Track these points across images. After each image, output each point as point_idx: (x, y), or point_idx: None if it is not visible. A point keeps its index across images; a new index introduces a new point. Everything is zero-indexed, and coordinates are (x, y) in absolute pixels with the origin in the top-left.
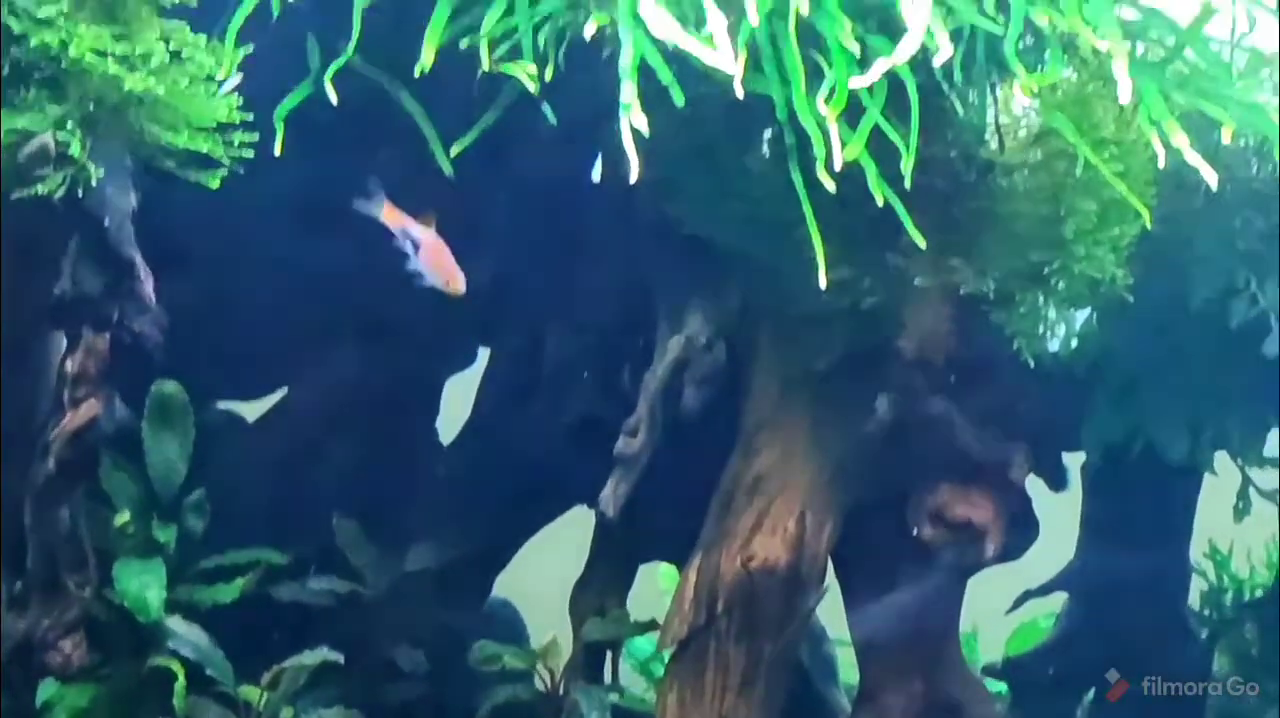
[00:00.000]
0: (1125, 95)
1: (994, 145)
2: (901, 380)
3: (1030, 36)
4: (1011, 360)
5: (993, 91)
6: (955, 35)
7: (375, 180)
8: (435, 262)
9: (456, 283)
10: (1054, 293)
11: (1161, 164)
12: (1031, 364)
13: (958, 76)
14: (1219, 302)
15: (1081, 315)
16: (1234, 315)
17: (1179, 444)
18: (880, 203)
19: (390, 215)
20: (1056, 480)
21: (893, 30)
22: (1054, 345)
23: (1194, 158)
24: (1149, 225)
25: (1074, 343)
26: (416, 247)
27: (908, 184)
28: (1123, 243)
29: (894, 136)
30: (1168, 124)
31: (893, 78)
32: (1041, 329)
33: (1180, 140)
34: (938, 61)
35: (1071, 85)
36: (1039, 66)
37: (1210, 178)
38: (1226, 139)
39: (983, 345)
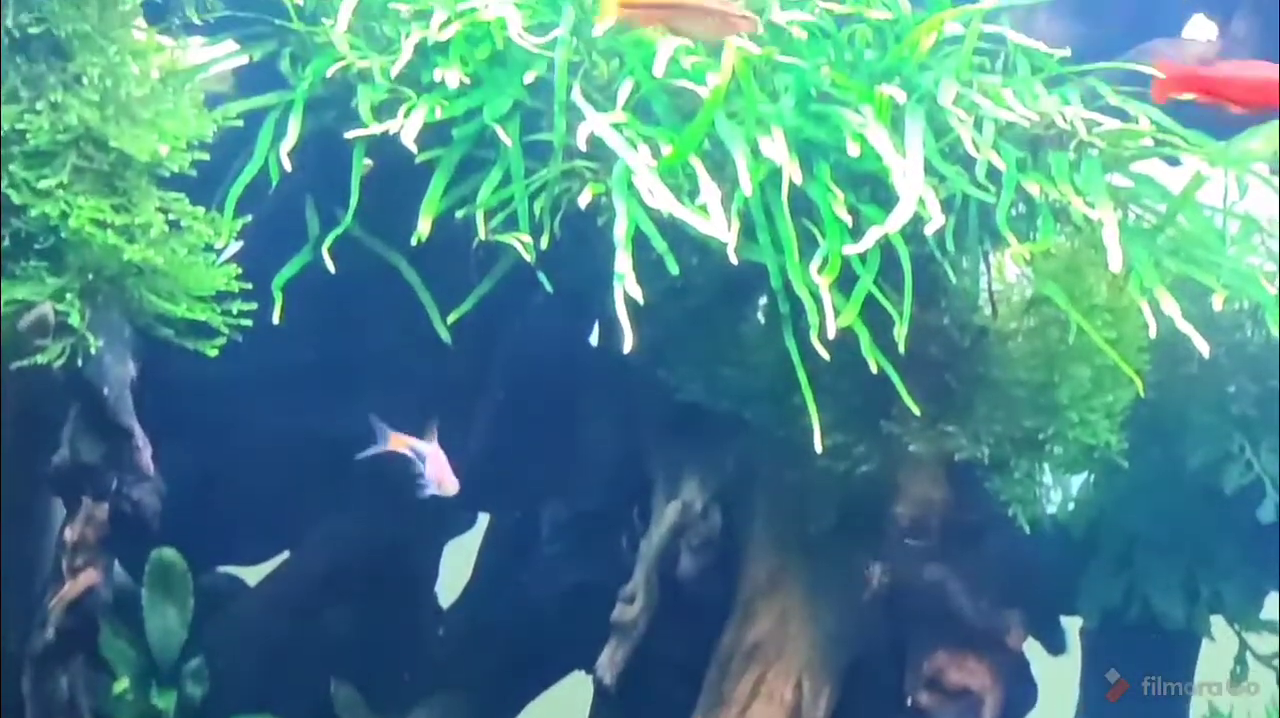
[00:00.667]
0: (1116, 263)
1: (987, 312)
2: (896, 546)
3: (1022, 204)
4: (1007, 525)
5: (986, 259)
6: (947, 204)
7: (376, 419)
8: (437, 473)
9: (449, 486)
10: (1049, 458)
11: (1153, 333)
12: (1027, 529)
13: (950, 244)
14: (1214, 467)
15: (1078, 480)
16: (1229, 481)
17: (1175, 609)
18: (874, 369)
19: (397, 443)
20: (1054, 644)
21: (885, 199)
22: (1050, 509)
23: (1185, 327)
24: (1142, 392)
25: (1070, 507)
26: (423, 460)
27: (901, 351)
28: (1116, 408)
29: (887, 305)
30: (1159, 292)
31: (886, 244)
32: (1037, 494)
33: (1171, 309)
34: (930, 230)
35: (1064, 252)
36: (1031, 234)
37: (1201, 347)
38: (1218, 306)
39: (978, 511)
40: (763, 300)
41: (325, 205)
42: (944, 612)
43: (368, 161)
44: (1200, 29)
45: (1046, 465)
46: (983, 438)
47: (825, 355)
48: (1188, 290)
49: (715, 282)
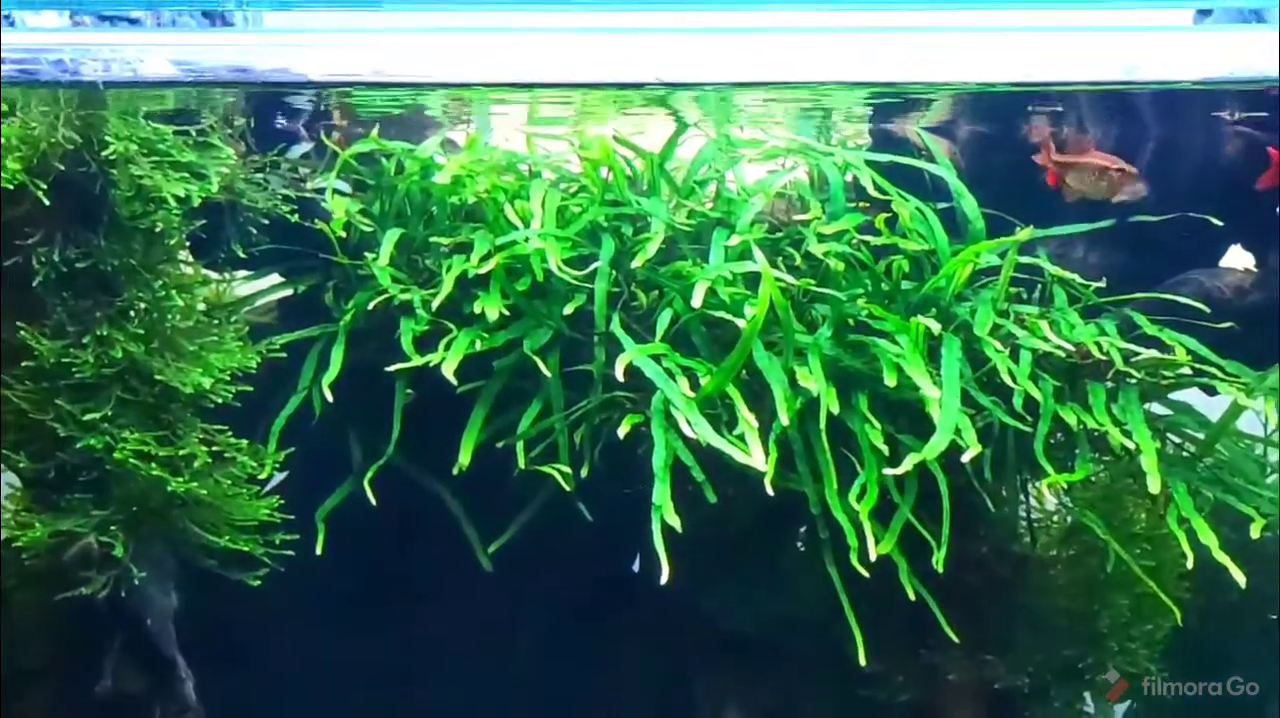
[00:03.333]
0: (1155, 487)
1: (1026, 540)
2: None
3: (1060, 434)
4: None
5: (1024, 488)
6: (985, 433)
7: None
8: None
9: None
10: (1089, 688)
11: (1190, 564)
12: None
13: (988, 474)
14: (1259, 699)
15: (1120, 709)
16: (1271, 713)
17: None
18: (912, 597)
19: None
20: None
21: (922, 429)
22: None
23: (1222, 557)
24: (1179, 621)
25: None
26: None
27: (941, 579)
28: (1157, 637)
29: (925, 533)
30: (1197, 523)
31: (924, 473)
32: None
33: (1210, 540)
34: (966, 458)
35: (1102, 481)
36: (1070, 463)
37: (1238, 577)
38: (1255, 533)
39: None
40: (802, 529)
41: (367, 436)
42: None
43: (409, 392)
44: (1237, 258)
45: (1088, 695)
46: (1022, 667)
47: (865, 573)
48: (1229, 514)
49: (755, 510)
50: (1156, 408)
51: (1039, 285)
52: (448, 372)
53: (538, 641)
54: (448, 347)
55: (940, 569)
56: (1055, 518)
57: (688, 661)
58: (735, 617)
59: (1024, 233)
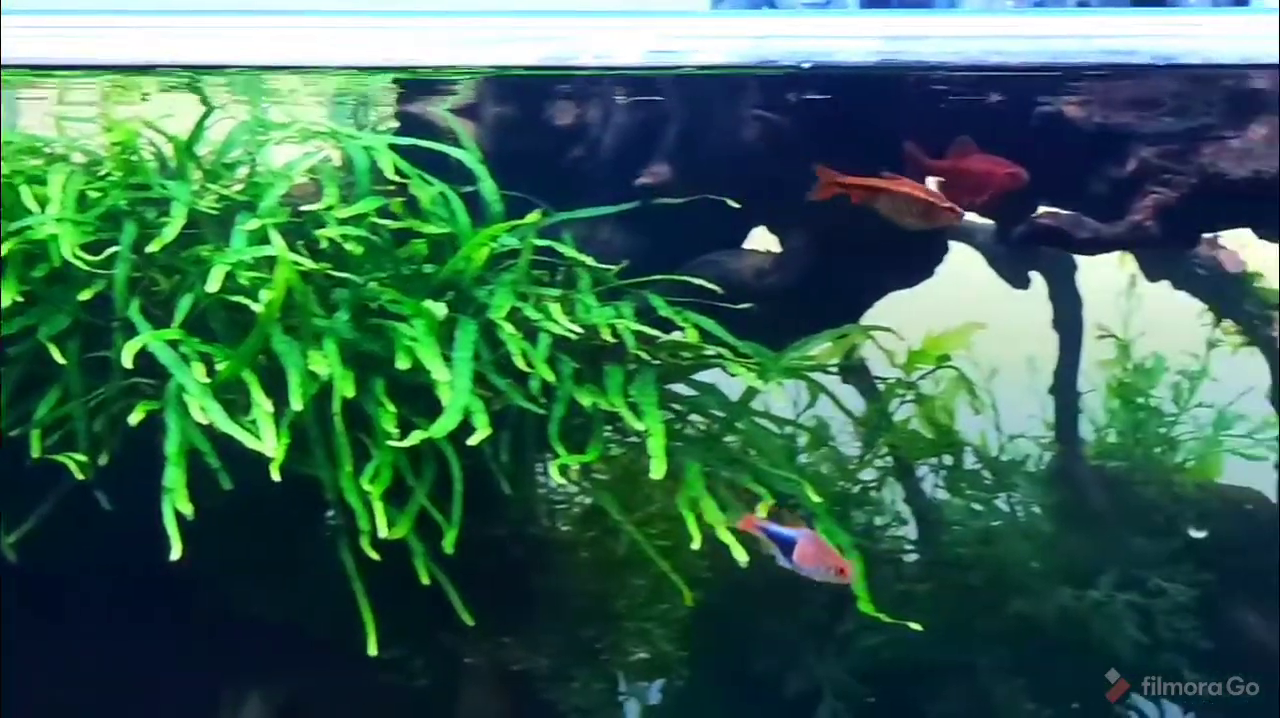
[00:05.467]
0: (658, 472)
1: (545, 522)
2: None
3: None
4: None
5: (543, 470)
6: (502, 416)
7: None
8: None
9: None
10: (607, 668)
11: (696, 544)
12: None
13: (504, 456)
14: (776, 672)
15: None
16: (790, 686)
17: None
18: (426, 581)
19: None
20: None
21: (438, 412)
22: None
23: (727, 537)
24: (689, 602)
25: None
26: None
27: (455, 561)
28: (675, 617)
29: (436, 516)
30: (705, 504)
31: (440, 456)
32: (596, 704)
33: (716, 519)
34: (474, 440)
35: (622, 462)
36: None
37: (740, 557)
38: (761, 514)
39: None
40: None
41: None
42: None
43: None
44: (759, 240)
45: (619, 674)
46: (540, 649)
47: (377, 557)
48: None
49: (276, 496)
50: (683, 389)
51: (563, 268)
52: None
53: (62, 631)
54: None
55: (450, 551)
56: (576, 501)
57: (210, 648)
58: (257, 603)
59: (533, 216)
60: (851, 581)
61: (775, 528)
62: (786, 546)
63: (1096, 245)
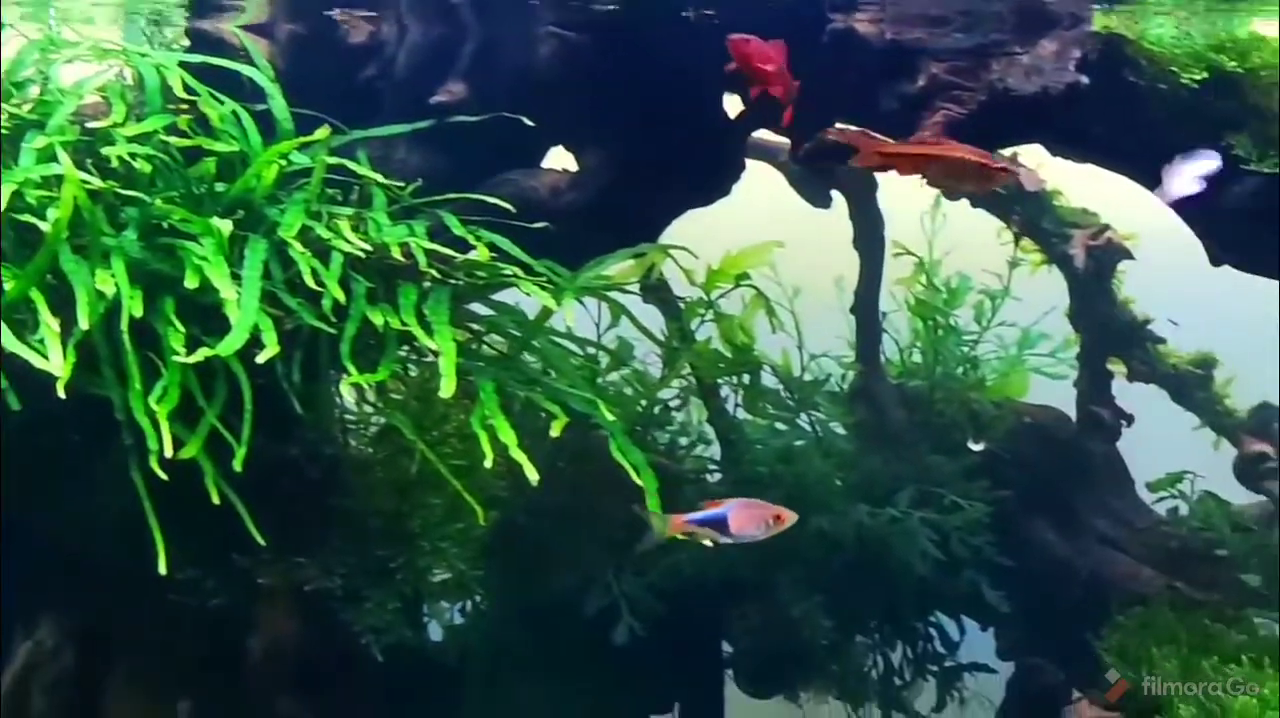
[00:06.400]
0: (447, 391)
1: (340, 443)
2: (253, 680)
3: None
4: (365, 655)
5: (338, 391)
6: (294, 335)
7: None
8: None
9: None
10: (404, 587)
11: (488, 462)
12: (380, 658)
13: (297, 376)
14: (576, 591)
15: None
16: (590, 604)
17: None
18: (217, 501)
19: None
20: None
21: (228, 331)
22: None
23: (519, 455)
24: (482, 520)
25: (440, 635)
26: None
27: (246, 482)
28: (471, 536)
29: (229, 436)
30: (498, 422)
31: (232, 376)
32: (392, 623)
33: (509, 439)
34: (262, 358)
35: (417, 381)
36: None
37: (532, 475)
38: (555, 432)
39: (332, 642)
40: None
41: None
42: None
43: None
44: (556, 160)
45: (422, 593)
46: (334, 569)
47: (165, 477)
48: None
49: (69, 417)
50: (480, 309)
51: (357, 188)
52: None
53: None
54: None
55: (239, 470)
56: (372, 420)
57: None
58: (52, 527)
59: (321, 132)
60: (791, 520)
61: (701, 515)
62: (720, 524)
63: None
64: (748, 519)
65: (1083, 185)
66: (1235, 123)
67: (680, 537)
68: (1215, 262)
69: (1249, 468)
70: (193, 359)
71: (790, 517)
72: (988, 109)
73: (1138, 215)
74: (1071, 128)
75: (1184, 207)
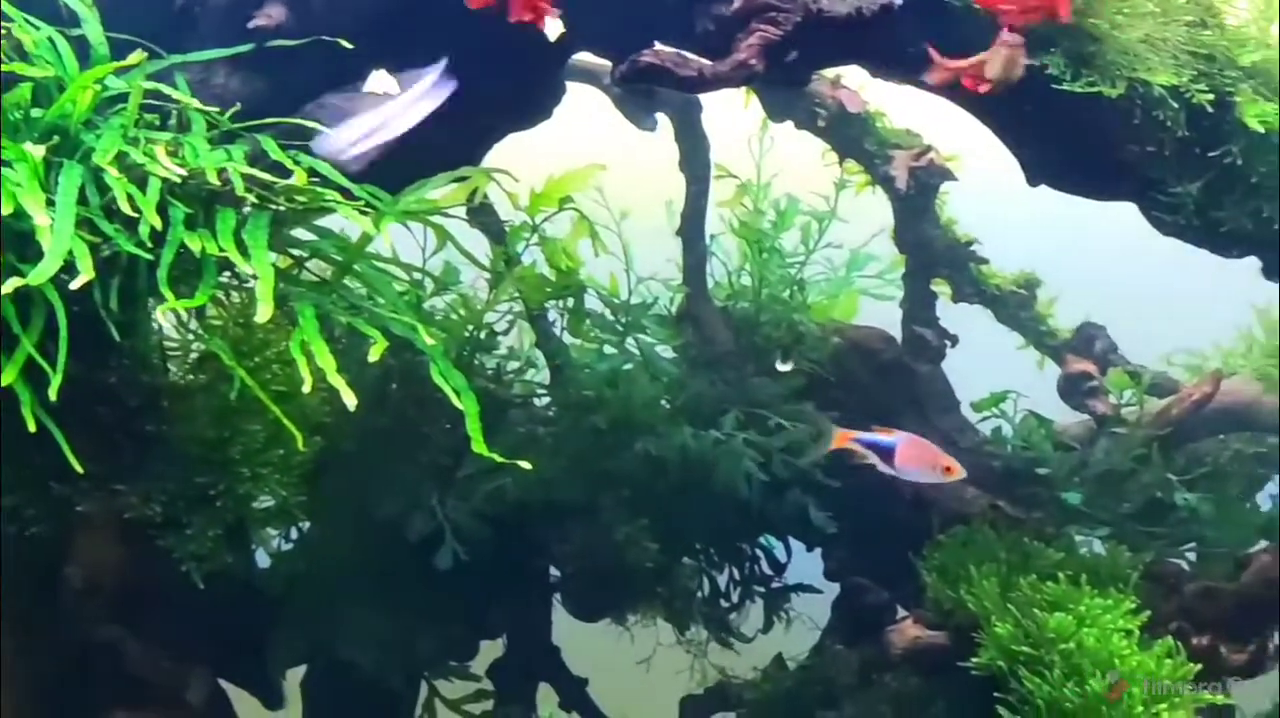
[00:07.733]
0: (263, 316)
1: (160, 369)
2: (72, 608)
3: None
4: (184, 583)
5: (156, 317)
6: (111, 261)
7: None
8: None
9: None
10: (225, 514)
11: (306, 387)
12: (201, 586)
13: (114, 303)
14: (400, 517)
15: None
16: (414, 529)
17: (366, 658)
18: (33, 429)
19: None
20: (271, 700)
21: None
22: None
23: (337, 380)
24: (301, 447)
25: (267, 563)
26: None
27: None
28: (293, 463)
29: (45, 365)
30: (317, 347)
31: (50, 304)
32: (212, 550)
33: (328, 364)
34: (75, 285)
35: (234, 307)
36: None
37: (349, 401)
38: (374, 357)
39: (153, 570)
40: None
41: None
42: (121, 672)
43: None
44: (380, 83)
45: (245, 520)
46: (154, 497)
47: None
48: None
49: None
50: (304, 234)
51: (176, 113)
52: None
53: None
54: None
55: (54, 399)
56: (193, 347)
57: None
58: None
59: (136, 56)
60: (960, 474)
61: (870, 437)
62: (886, 453)
63: (701, 83)
64: (915, 457)
65: (907, 106)
66: (1048, 41)
67: None
68: (1033, 182)
69: (1072, 387)
70: (6, 289)
71: (959, 471)
72: (803, 31)
73: (960, 136)
74: (889, 49)
75: None
